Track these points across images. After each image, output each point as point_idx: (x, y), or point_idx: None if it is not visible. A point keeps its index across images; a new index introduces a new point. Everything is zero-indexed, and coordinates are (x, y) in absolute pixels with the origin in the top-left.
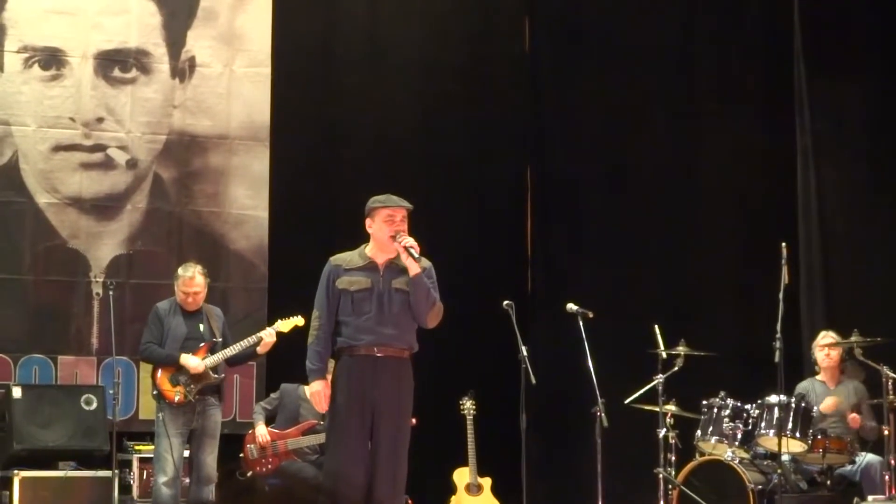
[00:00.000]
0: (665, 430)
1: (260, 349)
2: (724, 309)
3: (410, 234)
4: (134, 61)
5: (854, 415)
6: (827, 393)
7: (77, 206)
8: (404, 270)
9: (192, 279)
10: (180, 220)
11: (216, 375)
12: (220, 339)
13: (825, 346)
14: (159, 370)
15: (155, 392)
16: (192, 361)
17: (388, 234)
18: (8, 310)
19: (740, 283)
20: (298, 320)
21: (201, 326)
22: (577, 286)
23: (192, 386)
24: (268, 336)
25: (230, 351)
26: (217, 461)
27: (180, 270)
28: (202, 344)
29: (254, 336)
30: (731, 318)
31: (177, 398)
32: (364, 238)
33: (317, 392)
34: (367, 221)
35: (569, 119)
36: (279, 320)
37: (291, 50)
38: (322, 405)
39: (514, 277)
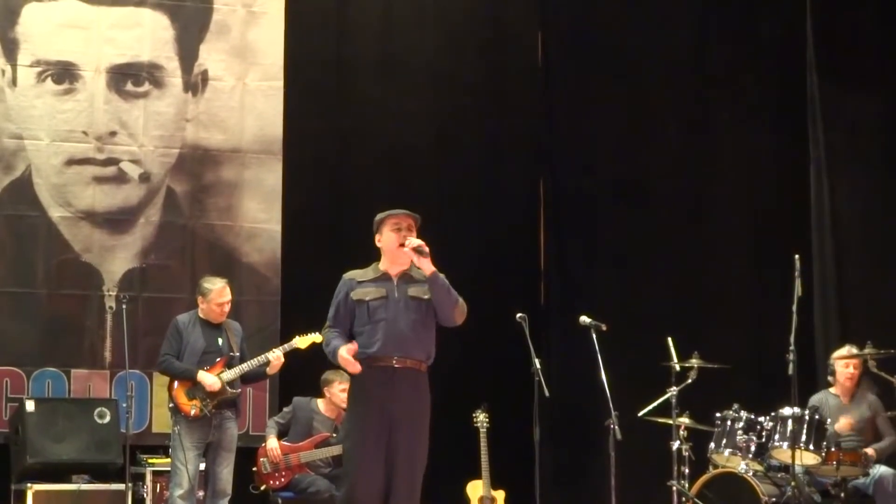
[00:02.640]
0: (679, 442)
1: (269, 370)
2: (737, 321)
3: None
4: (147, 75)
5: (871, 451)
6: (840, 407)
7: (90, 220)
8: (419, 280)
9: (223, 289)
10: (193, 233)
11: (232, 390)
12: (238, 354)
13: (849, 363)
14: (176, 383)
15: (171, 405)
16: (209, 379)
17: (397, 243)
18: (21, 323)
19: (753, 295)
20: (316, 337)
21: (220, 340)
22: (590, 298)
23: (207, 400)
24: (275, 359)
25: (246, 366)
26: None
27: (207, 284)
28: (219, 358)
29: (263, 356)
30: (745, 330)
31: (192, 412)
32: (377, 250)
33: (345, 358)
34: (377, 237)
35: (582, 131)
36: (297, 336)
37: (304, 63)
38: (355, 367)
39: (528, 290)
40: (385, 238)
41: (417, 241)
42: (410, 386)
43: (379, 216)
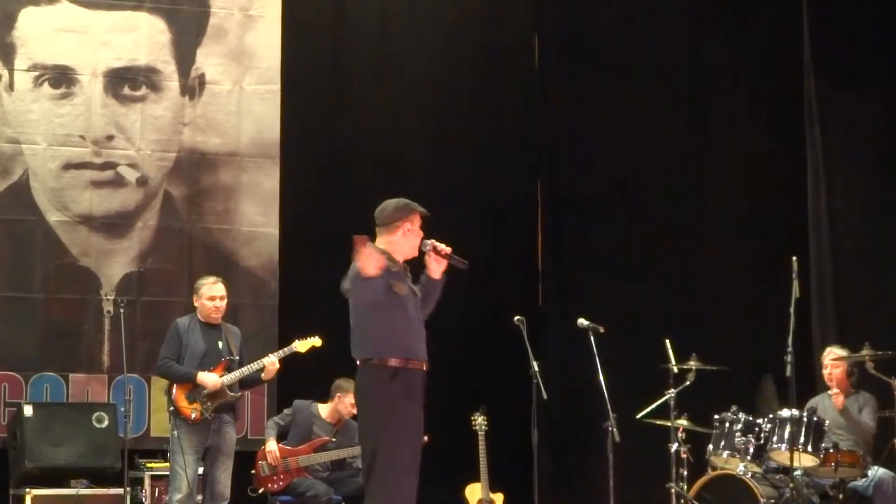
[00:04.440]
0: (677, 444)
1: (264, 376)
2: (735, 323)
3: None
4: (143, 79)
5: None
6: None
7: (87, 224)
8: (410, 276)
9: (215, 284)
10: (191, 237)
11: (233, 394)
12: (238, 358)
13: (827, 364)
14: (175, 387)
15: (171, 409)
16: (211, 379)
17: (419, 240)
18: (19, 328)
19: (751, 297)
20: (316, 341)
21: (220, 343)
22: (588, 301)
23: (208, 403)
24: (270, 364)
25: (246, 370)
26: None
27: (200, 281)
28: (219, 361)
29: (259, 361)
30: (743, 332)
31: (193, 415)
32: None
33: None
34: (406, 223)
35: (579, 134)
36: (296, 340)
37: (301, 67)
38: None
39: (526, 292)
40: (413, 231)
41: (447, 248)
42: (424, 391)
43: (411, 204)
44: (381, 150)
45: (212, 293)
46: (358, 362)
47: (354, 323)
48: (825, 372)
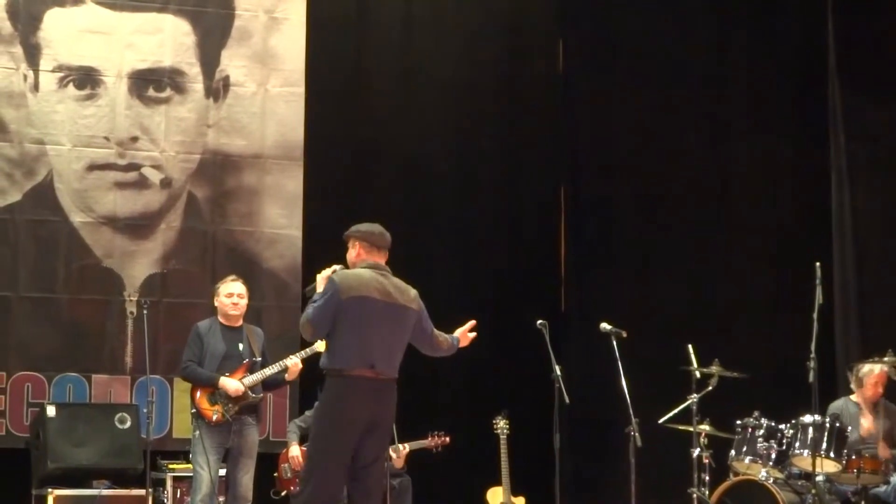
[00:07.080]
0: (699, 449)
1: (287, 377)
2: (758, 329)
3: (442, 254)
4: (168, 81)
5: (888, 454)
6: (861, 414)
7: (111, 225)
8: None
9: (234, 281)
10: (214, 239)
11: (255, 395)
12: (260, 359)
13: (879, 382)
14: (198, 388)
15: (193, 410)
16: (232, 385)
17: None
18: (42, 328)
19: (774, 302)
20: None
21: (241, 345)
22: (610, 305)
23: (230, 405)
24: (293, 365)
25: (269, 371)
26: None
27: (220, 282)
28: (241, 363)
29: (282, 362)
30: (765, 337)
31: (215, 417)
32: (395, 257)
33: None
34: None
35: (602, 139)
36: (318, 340)
37: (325, 69)
38: None
39: (548, 297)
40: None
41: None
42: None
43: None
44: (404, 153)
45: (229, 290)
46: (391, 379)
47: (399, 345)
48: (878, 390)
